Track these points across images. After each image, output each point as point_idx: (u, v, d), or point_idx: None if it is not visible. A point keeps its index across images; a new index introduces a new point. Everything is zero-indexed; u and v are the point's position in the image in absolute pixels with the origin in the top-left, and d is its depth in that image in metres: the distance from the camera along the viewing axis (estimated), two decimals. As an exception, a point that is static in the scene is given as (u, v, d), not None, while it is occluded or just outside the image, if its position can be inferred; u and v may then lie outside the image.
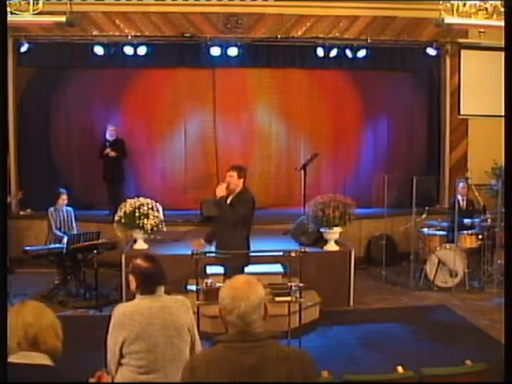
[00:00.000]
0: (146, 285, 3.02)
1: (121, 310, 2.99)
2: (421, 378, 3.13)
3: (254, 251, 5.91)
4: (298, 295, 5.50)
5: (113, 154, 9.14)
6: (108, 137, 9.23)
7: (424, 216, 8.00)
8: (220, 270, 6.10)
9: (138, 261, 3.07)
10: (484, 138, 9.62)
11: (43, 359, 2.18)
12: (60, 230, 7.53)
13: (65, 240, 7.14)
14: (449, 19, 6.75)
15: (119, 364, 2.96)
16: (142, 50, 9.22)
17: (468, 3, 6.55)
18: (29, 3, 6.38)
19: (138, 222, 6.85)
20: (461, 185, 8.35)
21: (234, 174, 5.58)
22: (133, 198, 7.15)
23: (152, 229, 6.90)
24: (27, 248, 7.29)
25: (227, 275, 5.50)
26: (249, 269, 6.09)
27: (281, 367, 2.11)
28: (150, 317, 2.93)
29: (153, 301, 2.99)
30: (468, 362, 3.40)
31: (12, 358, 2.14)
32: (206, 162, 10.21)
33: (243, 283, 2.23)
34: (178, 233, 8.22)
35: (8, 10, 6.01)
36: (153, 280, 3.02)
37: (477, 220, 7.99)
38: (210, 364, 2.14)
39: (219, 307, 2.22)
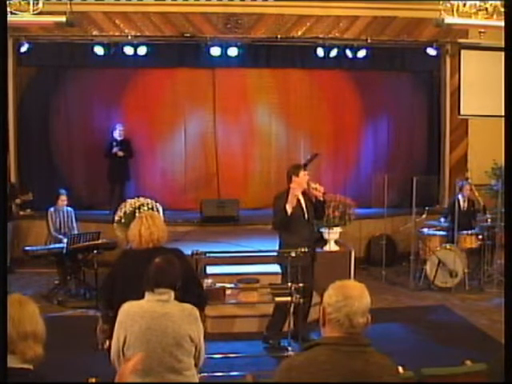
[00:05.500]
0: (145, 280, 2.97)
1: (125, 309, 2.95)
2: (421, 378, 3.11)
3: (254, 251, 5.90)
4: (298, 295, 5.50)
5: (121, 153, 9.15)
6: (117, 136, 9.25)
7: (424, 216, 8.00)
8: (219, 270, 6.09)
9: None
10: (484, 138, 9.61)
11: (21, 362, 2.00)
12: (60, 230, 7.52)
13: (65, 240, 7.14)
14: (449, 19, 6.74)
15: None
16: (142, 50, 9.22)
17: (468, 3, 6.54)
18: (29, 3, 6.37)
19: (138, 222, 6.83)
20: (463, 185, 8.29)
21: None
22: (133, 198, 7.14)
23: (152, 229, 6.87)
24: (27, 248, 7.28)
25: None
26: (248, 269, 6.09)
27: (382, 376, 2.06)
28: (150, 321, 2.86)
29: (158, 305, 2.90)
30: (468, 362, 3.38)
31: None
32: (206, 162, 10.20)
33: (357, 285, 2.16)
34: (177, 233, 8.19)
35: (8, 9, 6.01)
36: (153, 278, 2.94)
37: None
38: (313, 366, 2.01)
39: (323, 306, 2.11)
